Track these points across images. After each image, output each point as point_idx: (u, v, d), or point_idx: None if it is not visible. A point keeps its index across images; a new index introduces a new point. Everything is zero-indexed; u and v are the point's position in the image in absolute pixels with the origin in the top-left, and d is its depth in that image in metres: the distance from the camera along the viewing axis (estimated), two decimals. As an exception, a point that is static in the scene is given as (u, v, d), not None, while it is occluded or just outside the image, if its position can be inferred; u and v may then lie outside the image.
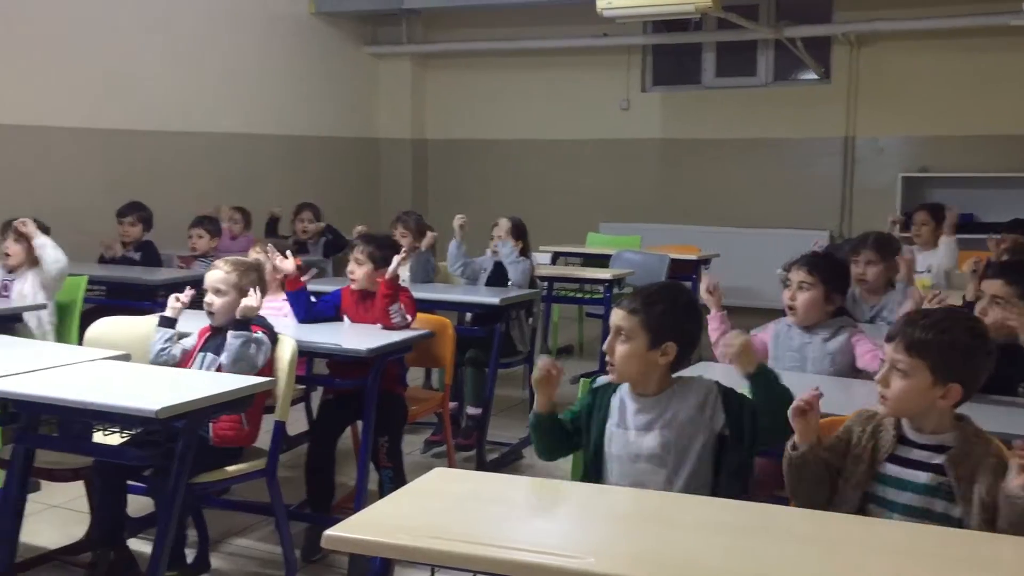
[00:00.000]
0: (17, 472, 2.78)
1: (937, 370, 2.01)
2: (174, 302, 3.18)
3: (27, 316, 4.19)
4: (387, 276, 3.60)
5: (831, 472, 2.11)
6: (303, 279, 3.84)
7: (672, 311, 2.30)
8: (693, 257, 6.61)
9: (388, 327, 3.59)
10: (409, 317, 3.63)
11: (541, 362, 2.37)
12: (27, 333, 4.13)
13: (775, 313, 3.43)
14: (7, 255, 4.27)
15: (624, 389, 2.36)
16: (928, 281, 4.74)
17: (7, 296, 4.27)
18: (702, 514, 1.89)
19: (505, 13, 8.31)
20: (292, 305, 3.72)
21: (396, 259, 3.65)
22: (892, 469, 2.07)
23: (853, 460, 2.10)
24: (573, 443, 2.44)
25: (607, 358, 2.33)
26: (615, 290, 5.70)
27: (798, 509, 2.05)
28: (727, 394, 2.28)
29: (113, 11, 6.13)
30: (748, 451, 2.28)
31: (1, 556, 2.74)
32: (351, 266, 3.78)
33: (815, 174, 7.72)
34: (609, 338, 2.32)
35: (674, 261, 6.35)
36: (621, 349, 2.29)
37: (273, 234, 6.27)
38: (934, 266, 5.02)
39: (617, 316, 2.32)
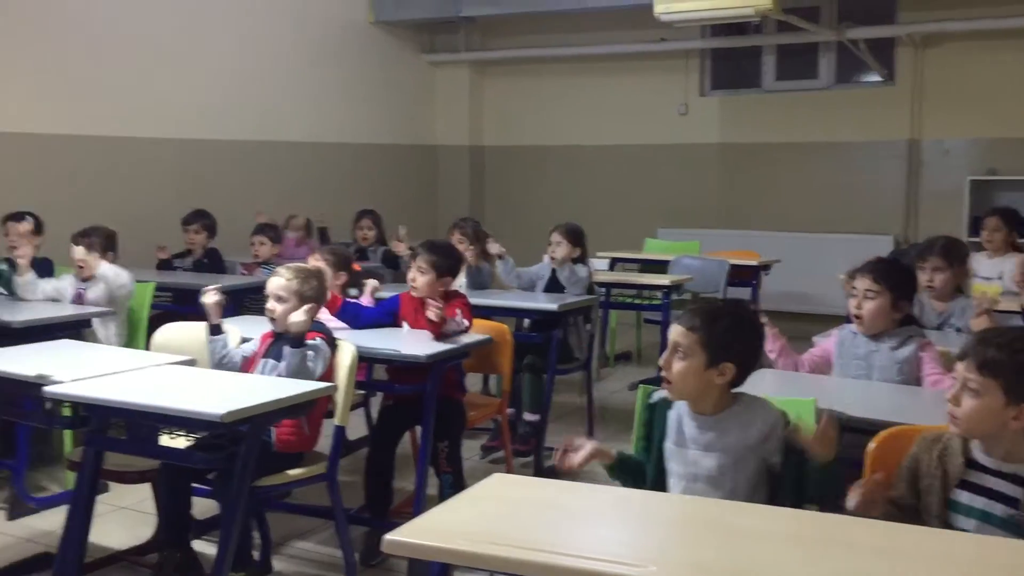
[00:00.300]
0: (87, 474, 2.84)
1: (1010, 391, 1.96)
2: (207, 303, 3.20)
3: (96, 322, 4.30)
4: (430, 315, 3.51)
5: (905, 510, 2.05)
6: (362, 297, 3.87)
7: (733, 330, 2.25)
8: (753, 263, 6.53)
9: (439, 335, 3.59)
10: (466, 322, 3.65)
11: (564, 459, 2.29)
12: (96, 339, 4.24)
13: (837, 319, 3.38)
14: (80, 266, 4.38)
15: (682, 406, 2.32)
16: (999, 288, 4.61)
17: (80, 303, 4.39)
18: (766, 523, 1.86)
19: (562, 19, 8.31)
20: (342, 319, 3.72)
21: (434, 308, 3.51)
22: (964, 496, 2.02)
23: (926, 491, 2.05)
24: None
25: (663, 373, 2.29)
26: (673, 296, 5.67)
27: (865, 520, 2.01)
28: (790, 435, 2.22)
29: (178, 25, 6.27)
30: (798, 496, 2.22)
31: (72, 556, 2.81)
32: (412, 273, 3.79)
33: (879, 178, 7.57)
34: (666, 353, 2.28)
35: (734, 267, 6.29)
36: (678, 366, 2.24)
37: (326, 243, 6.34)
38: (1005, 272, 4.88)
39: (675, 332, 2.27)
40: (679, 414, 2.31)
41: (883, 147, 7.54)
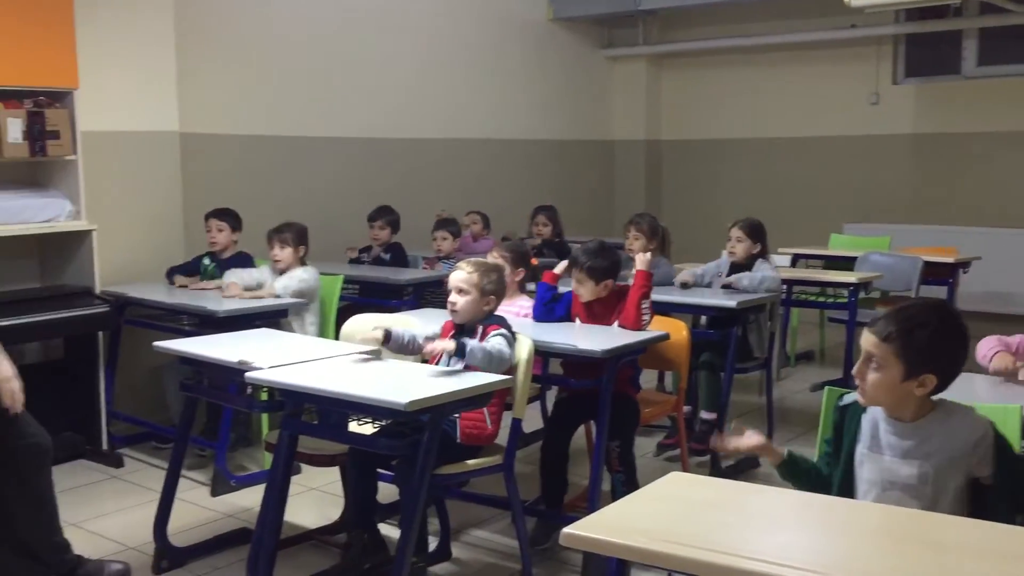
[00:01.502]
0: (283, 456, 3.01)
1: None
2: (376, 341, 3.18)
3: (292, 312, 4.55)
4: (639, 267, 3.60)
5: None
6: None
7: (933, 339, 2.06)
8: (950, 260, 6.15)
9: (630, 324, 3.59)
10: (647, 317, 3.63)
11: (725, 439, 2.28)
12: (292, 328, 4.49)
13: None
14: (276, 260, 4.65)
15: (877, 410, 2.18)
16: None
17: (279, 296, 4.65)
18: (964, 536, 1.75)
19: (743, 9, 8.10)
20: (539, 294, 3.79)
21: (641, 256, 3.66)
22: None
23: None
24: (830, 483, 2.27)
25: (856, 382, 2.14)
26: (861, 294, 5.41)
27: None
28: (1000, 444, 2.07)
29: (366, 29, 6.53)
30: (1013, 506, 2.06)
31: (268, 532, 2.98)
32: (574, 285, 3.81)
33: (1094, 168, 6.97)
34: (859, 363, 2.12)
35: (928, 264, 5.95)
36: (872, 378, 2.09)
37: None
38: None
39: (868, 342, 2.10)
40: (875, 418, 2.18)
41: (1100, 135, 6.93)
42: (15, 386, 2.77)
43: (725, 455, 2.26)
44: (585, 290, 3.76)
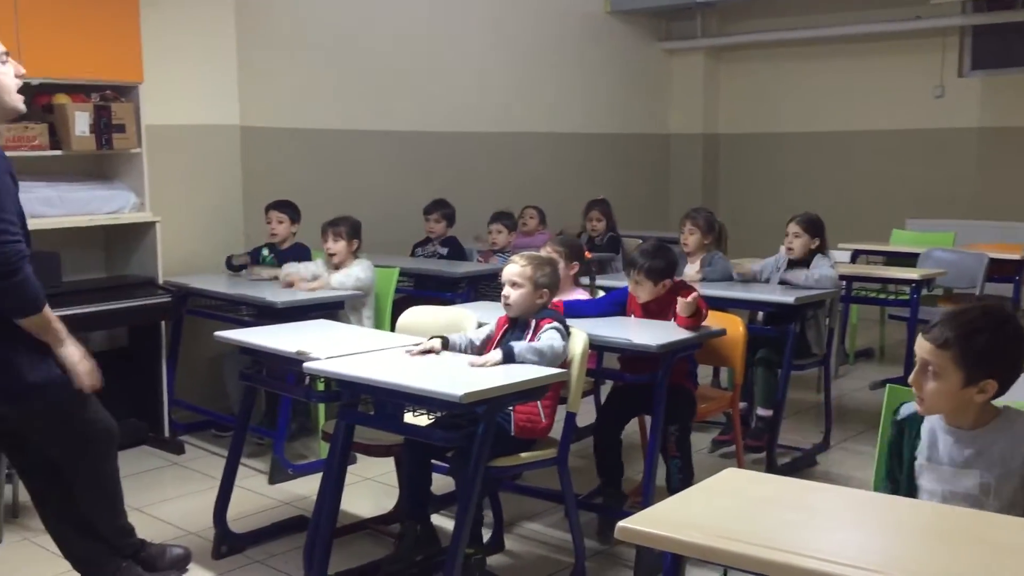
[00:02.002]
0: (339, 445, 3.05)
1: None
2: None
3: (348, 304, 4.60)
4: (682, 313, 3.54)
5: None
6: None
7: (991, 343, 1.99)
8: (1016, 256, 6.00)
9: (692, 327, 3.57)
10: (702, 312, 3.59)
11: None
12: (348, 320, 4.54)
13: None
14: (331, 253, 4.70)
15: (935, 418, 2.12)
16: None
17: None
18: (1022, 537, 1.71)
19: (804, 1, 7.97)
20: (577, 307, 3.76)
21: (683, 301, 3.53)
22: None
23: None
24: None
25: (914, 390, 2.08)
26: (923, 291, 5.30)
27: None
28: None
29: (428, 25, 6.57)
30: None
31: (325, 520, 3.02)
32: (631, 285, 3.79)
33: None
34: (915, 372, 2.06)
35: (993, 261, 5.80)
36: (930, 387, 2.03)
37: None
38: None
39: (923, 349, 2.03)
40: (933, 428, 2.13)
41: None
42: (86, 366, 2.84)
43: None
44: (643, 291, 3.73)
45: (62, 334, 2.80)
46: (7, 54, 2.70)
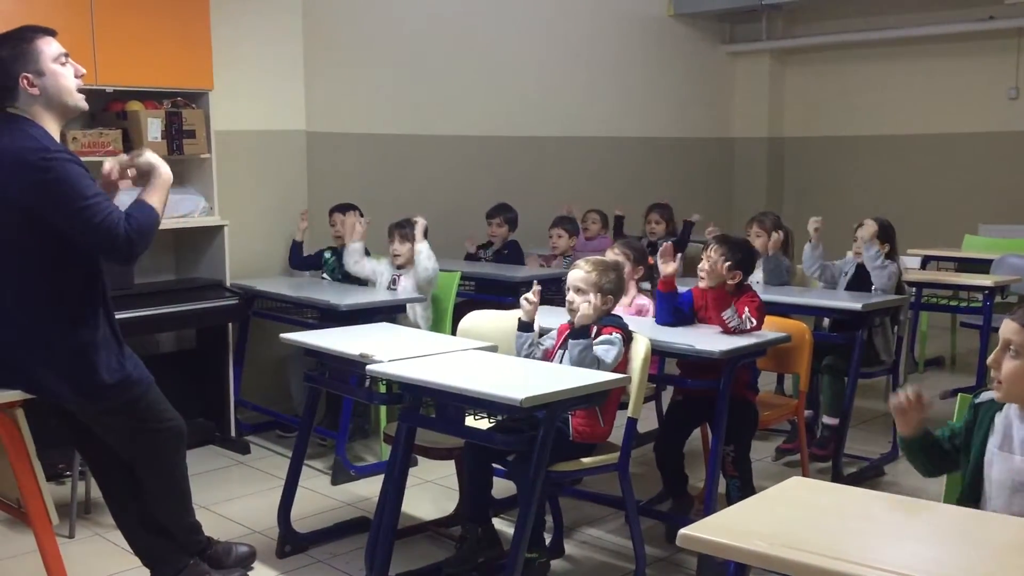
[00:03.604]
0: (401, 448, 3.07)
1: None
2: (525, 304, 3.29)
3: (408, 307, 4.65)
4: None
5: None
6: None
7: None
8: (1094, 263, 5.80)
9: (727, 331, 3.52)
10: (754, 321, 3.53)
11: (898, 393, 2.21)
12: (408, 322, 4.58)
13: None
14: (396, 255, 4.75)
15: (1012, 408, 2.13)
16: None
17: (395, 289, 4.76)
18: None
19: (872, 2, 7.82)
20: (658, 304, 3.74)
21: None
22: None
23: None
24: (953, 460, 2.25)
25: (992, 373, 2.11)
26: (997, 298, 5.16)
27: None
28: None
29: (488, 28, 6.59)
30: None
31: (387, 522, 3.05)
32: (703, 263, 3.75)
33: None
34: (996, 351, 2.10)
35: (1071, 267, 5.62)
36: (1010, 365, 2.06)
37: (621, 234, 6.40)
38: None
39: (1008, 328, 2.09)
40: (1008, 416, 2.13)
41: None
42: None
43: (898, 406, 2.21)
44: (712, 276, 3.66)
45: (161, 178, 2.81)
46: (67, 55, 2.78)
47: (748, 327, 3.50)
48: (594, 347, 3.09)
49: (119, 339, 2.87)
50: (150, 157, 2.86)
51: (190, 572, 3.06)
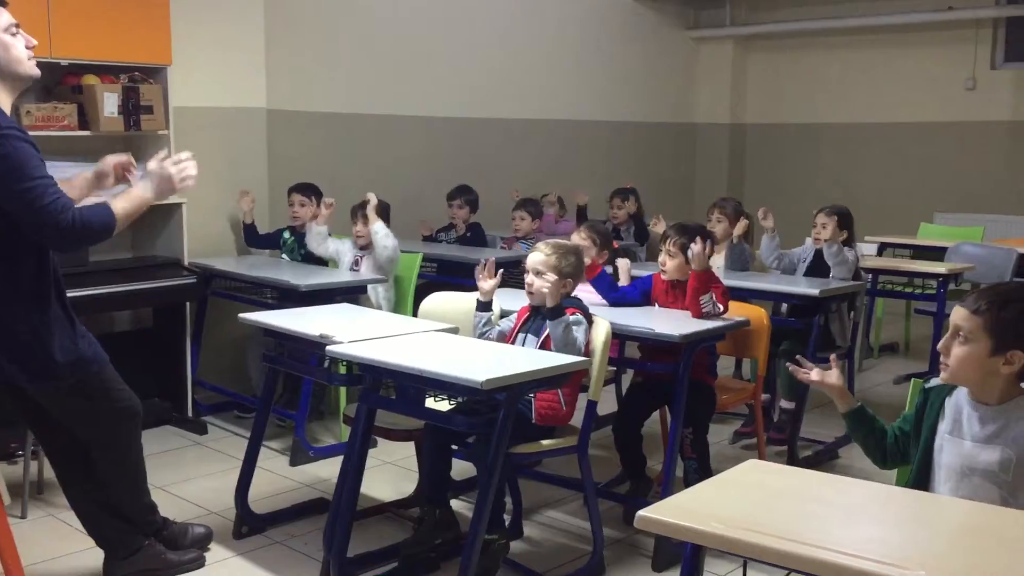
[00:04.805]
0: (360, 429, 3.06)
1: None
2: (483, 284, 3.33)
3: (369, 288, 4.62)
4: (695, 268, 3.55)
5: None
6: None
7: None
8: (1046, 252, 5.92)
9: (697, 316, 3.55)
10: (721, 307, 3.56)
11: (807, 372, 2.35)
12: (370, 304, 4.56)
13: None
14: (359, 236, 4.72)
15: (961, 393, 2.16)
16: None
17: (357, 270, 4.73)
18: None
19: (836, -10, 7.89)
20: (596, 288, 3.78)
21: (696, 248, 3.56)
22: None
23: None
24: (902, 453, 2.29)
25: (941, 358, 2.14)
26: (950, 286, 5.25)
27: None
28: None
29: (450, 9, 6.54)
30: None
31: (346, 502, 3.04)
32: (662, 257, 3.77)
33: None
34: (946, 337, 2.13)
35: (1022, 256, 5.73)
36: (958, 351, 2.09)
37: (584, 219, 6.41)
38: None
39: (957, 315, 2.11)
40: (958, 402, 2.16)
41: None
42: (170, 170, 2.85)
43: (805, 380, 2.29)
44: (672, 265, 3.70)
45: (144, 195, 2.82)
46: (17, 26, 2.72)
47: (718, 312, 3.54)
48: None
49: (72, 318, 2.83)
50: (153, 166, 2.83)
51: (145, 553, 3.04)
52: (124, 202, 2.79)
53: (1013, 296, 2.09)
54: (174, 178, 2.86)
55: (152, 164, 2.87)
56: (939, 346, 2.15)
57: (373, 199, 4.71)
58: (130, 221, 2.83)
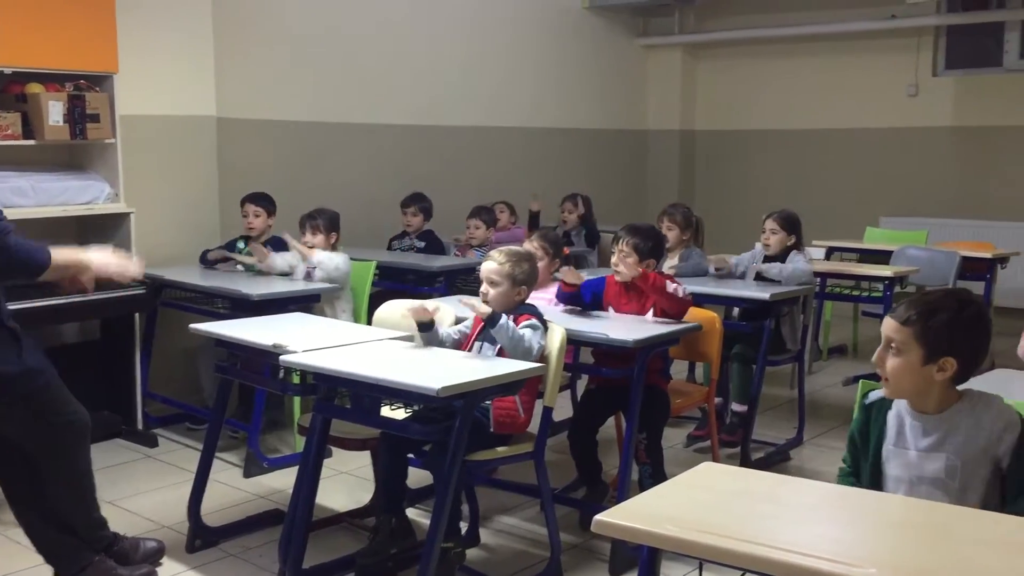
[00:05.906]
0: (315, 439, 3.04)
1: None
2: (422, 315, 3.16)
3: (324, 297, 4.58)
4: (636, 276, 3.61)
5: None
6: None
7: (953, 323, 2.07)
8: (987, 255, 6.08)
9: (676, 309, 3.59)
10: (689, 296, 3.63)
11: None
12: (324, 313, 4.52)
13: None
14: (310, 247, 4.68)
15: (902, 405, 2.18)
16: None
17: (310, 279, 4.69)
18: (995, 532, 1.74)
19: (781, -1, 8.03)
20: (558, 297, 3.80)
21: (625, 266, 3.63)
22: None
23: None
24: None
25: (878, 371, 2.15)
26: (896, 288, 5.36)
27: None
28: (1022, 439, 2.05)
29: (405, 17, 6.53)
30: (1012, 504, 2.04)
31: (302, 513, 3.01)
32: (615, 258, 3.79)
33: None
34: (879, 349, 2.14)
35: (966, 259, 5.87)
36: (893, 363, 2.11)
37: (536, 227, 6.44)
38: None
39: (887, 326, 2.12)
40: (899, 413, 2.18)
41: None
42: (119, 262, 2.92)
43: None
44: (626, 267, 3.71)
45: (82, 262, 2.85)
46: None
47: (688, 296, 3.61)
48: (520, 330, 3.09)
49: (15, 332, 2.77)
50: (104, 252, 2.91)
51: (95, 569, 2.98)
52: (64, 253, 2.84)
53: (940, 304, 2.10)
54: (113, 267, 2.92)
55: (105, 250, 2.94)
56: (874, 358, 2.15)
57: (292, 240, 4.67)
58: (59, 274, 2.84)
